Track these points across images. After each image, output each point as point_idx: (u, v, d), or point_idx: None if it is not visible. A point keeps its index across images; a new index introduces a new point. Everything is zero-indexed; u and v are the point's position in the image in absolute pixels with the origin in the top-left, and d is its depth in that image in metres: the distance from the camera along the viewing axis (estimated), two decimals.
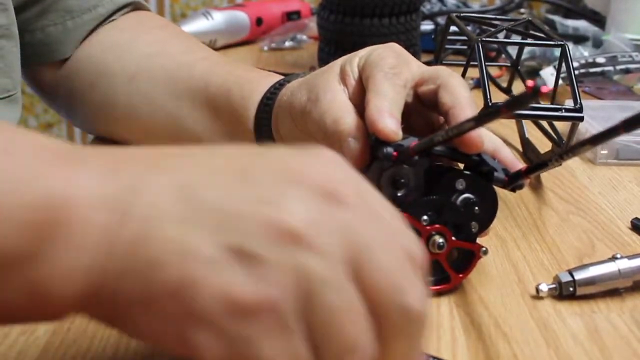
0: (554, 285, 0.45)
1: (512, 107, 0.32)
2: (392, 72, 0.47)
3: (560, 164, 0.40)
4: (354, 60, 0.50)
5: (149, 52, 0.65)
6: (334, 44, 0.86)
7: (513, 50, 0.77)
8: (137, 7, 0.71)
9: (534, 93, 0.30)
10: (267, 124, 0.56)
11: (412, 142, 0.43)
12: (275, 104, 0.55)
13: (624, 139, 0.67)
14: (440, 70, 0.49)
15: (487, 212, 0.45)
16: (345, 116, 0.48)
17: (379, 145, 0.44)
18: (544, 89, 0.29)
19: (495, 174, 0.44)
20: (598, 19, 1.11)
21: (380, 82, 0.46)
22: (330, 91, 0.49)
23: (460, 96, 0.46)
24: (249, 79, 0.59)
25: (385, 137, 0.44)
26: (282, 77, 0.58)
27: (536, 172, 0.41)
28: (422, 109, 0.50)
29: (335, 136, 0.47)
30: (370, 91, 0.46)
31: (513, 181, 0.44)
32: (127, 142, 0.66)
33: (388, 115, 0.44)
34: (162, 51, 0.65)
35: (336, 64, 0.51)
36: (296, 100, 0.52)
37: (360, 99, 0.47)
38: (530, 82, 0.30)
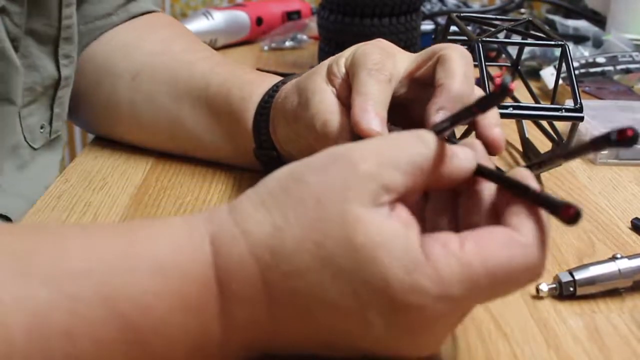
0: (554, 285, 0.45)
1: (483, 107, 0.32)
2: (376, 68, 0.46)
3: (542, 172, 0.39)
4: (340, 60, 0.50)
5: (154, 50, 0.65)
6: (334, 43, 0.86)
7: (513, 50, 0.77)
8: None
9: (503, 91, 0.30)
10: (265, 126, 0.56)
11: None
12: (272, 107, 0.55)
13: None
14: (438, 46, 0.48)
15: None
16: (332, 118, 0.47)
17: None
18: (512, 86, 0.30)
19: None
20: (598, 19, 1.11)
21: (364, 80, 0.46)
22: (318, 93, 0.49)
23: (453, 71, 0.46)
24: (249, 80, 0.59)
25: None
26: (281, 78, 0.58)
27: None
28: (421, 96, 0.49)
29: (324, 138, 0.47)
30: (354, 91, 0.46)
31: None
32: (128, 143, 0.66)
33: (372, 116, 0.44)
34: (166, 50, 0.65)
35: (323, 65, 0.51)
36: (288, 104, 0.52)
37: (349, 98, 0.47)
38: (497, 80, 0.30)
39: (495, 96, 0.31)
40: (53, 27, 0.56)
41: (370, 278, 0.32)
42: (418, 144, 0.34)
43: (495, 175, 0.36)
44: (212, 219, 0.35)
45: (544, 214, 0.33)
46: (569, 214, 0.30)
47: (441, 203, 0.38)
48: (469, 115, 0.34)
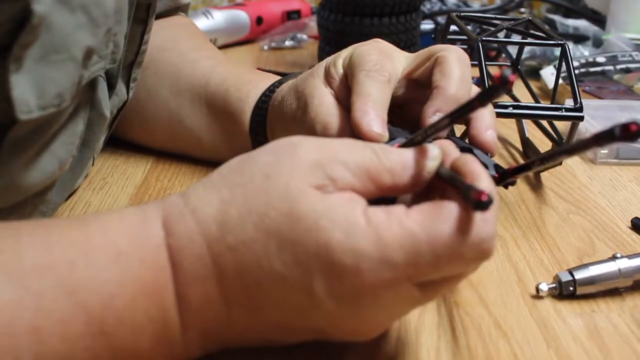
0: (554, 285, 0.45)
1: (484, 100, 0.32)
2: (374, 69, 0.46)
3: (544, 169, 0.39)
4: (337, 61, 0.50)
5: (162, 46, 0.64)
6: (334, 43, 0.86)
7: (513, 50, 0.78)
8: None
9: (503, 83, 0.30)
10: (262, 127, 0.56)
11: (398, 143, 0.43)
12: (269, 109, 0.55)
13: None
14: (435, 47, 0.48)
15: None
16: (332, 121, 0.47)
17: None
18: (511, 78, 0.29)
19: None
20: (598, 19, 1.11)
21: (363, 82, 0.45)
22: (317, 96, 0.49)
23: (450, 73, 0.45)
24: (247, 80, 0.59)
25: (370, 141, 0.43)
26: (279, 78, 0.58)
27: (521, 173, 0.41)
28: (418, 96, 0.48)
29: None
30: (353, 93, 0.46)
31: (503, 179, 0.43)
32: (129, 141, 0.66)
33: (372, 118, 0.44)
34: (174, 47, 0.65)
35: (320, 67, 0.51)
36: (286, 107, 0.52)
37: (348, 99, 0.47)
38: (497, 73, 0.30)
39: (496, 88, 0.30)
40: (132, 53, 0.56)
41: (313, 245, 0.32)
42: (367, 152, 0.35)
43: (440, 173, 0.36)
44: (164, 204, 0.36)
45: (496, 195, 0.34)
46: (478, 197, 0.31)
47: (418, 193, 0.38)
48: (470, 109, 0.34)
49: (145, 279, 0.34)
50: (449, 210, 0.33)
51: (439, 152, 0.36)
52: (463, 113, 0.34)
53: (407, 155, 0.36)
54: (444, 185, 0.37)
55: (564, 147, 0.36)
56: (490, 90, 0.31)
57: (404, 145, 0.41)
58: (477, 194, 0.31)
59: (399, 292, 0.34)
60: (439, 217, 0.33)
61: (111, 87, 0.53)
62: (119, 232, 0.35)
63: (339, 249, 0.32)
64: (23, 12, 0.35)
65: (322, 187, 0.34)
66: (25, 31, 0.35)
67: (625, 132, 0.29)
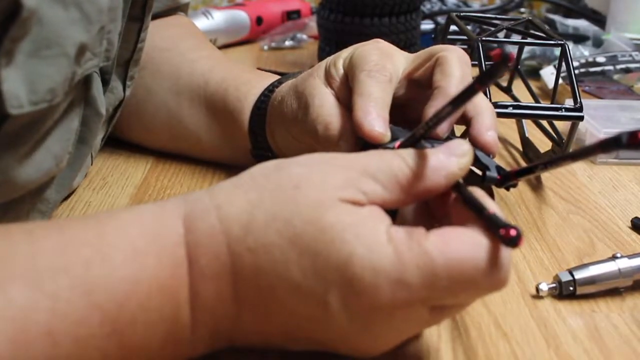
0: (554, 285, 0.45)
1: (485, 80, 0.32)
2: (375, 69, 0.46)
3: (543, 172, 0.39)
4: (338, 61, 0.50)
5: (161, 46, 0.64)
6: (334, 43, 0.86)
7: (513, 50, 0.77)
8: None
9: (504, 60, 0.29)
10: (261, 127, 0.56)
11: (399, 142, 0.43)
12: (268, 110, 0.55)
13: None
14: (436, 47, 0.48)
15: None
16: (334, 121, 0.48)
17: (369, 148, 0.43)
18: (512, 56, 0.29)
19: (488, 173, 0.43)
20: (598, 19, 1.11)
21: (364, 82, 0.46)
22: (318, 96, 0.49)
23: (451, 74, 0.46)
24: (246, 80, 0.59)
25: (372, 141, 0.44)
26: (278, 77, 0.58)
27: (524, 176, 0.41)
28: (419, 96, 0.48)
29: (326, 141, 0.47)
30: (354, 93, 0.46)
31: (505, 181, 0.43)
32: (128, 142, 0.66)
33: (374, 117, 0.44)
34: (173, 47, 0.65)
35: (320, 67, 0.51)
36: (286, 107, 0.52)
37: (348, 99, 0.47)
38: (495, 51, 0.29)
39: (497, 67, 0.30)
40: (129, 51, 0.56)
41: (334, 257, 0.32)
42: (396, 160, 0.36)
43: (458, 190, 0.36)
44: (187, 199, 0.36)
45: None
46: (508, 234, 0.31)
47: (419, 209, 0.39)
48: (471, 93, 0.33)
49: (161, 278, 0.34)
50: (468, 237, 0.33)
51: (469, 147, 0.37)
52: (465, 98, 0.34)
53: (436, 157, 0.36)
54: (444, 198, 0.37)
55: (569, 153, 0.36)
56: (491, 70, 0.30)
57: (407, 141, 0.41)
58: (507, 230, 0.31)
59: (410, 313, 0.34)
60: (458, 242, 0.33)
61: (105, 84, 0.53)
62: (135, 232, 0.34)
63: (360, 264, 0.32)
64: (13, 5, 0.34)
65: (355, 201, 0.34)
66: (15, 25, 0.35)
67: (632, 140, 0.29)
